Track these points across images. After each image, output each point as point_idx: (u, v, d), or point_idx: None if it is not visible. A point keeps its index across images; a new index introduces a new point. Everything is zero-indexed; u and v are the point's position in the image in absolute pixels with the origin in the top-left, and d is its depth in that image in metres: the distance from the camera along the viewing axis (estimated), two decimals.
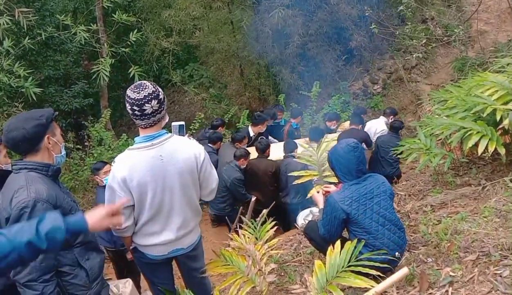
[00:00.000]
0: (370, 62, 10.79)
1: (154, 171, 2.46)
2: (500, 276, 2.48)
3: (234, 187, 5.65)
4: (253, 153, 5.99)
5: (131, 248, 2.78)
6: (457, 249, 2.91)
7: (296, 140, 6.05)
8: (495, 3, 11.29)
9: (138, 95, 2.35)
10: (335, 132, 6.95)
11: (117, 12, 6.54)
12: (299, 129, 7.88)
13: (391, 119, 6.82)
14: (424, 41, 8.09)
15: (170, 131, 2.75)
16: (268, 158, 5.92)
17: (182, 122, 3.04)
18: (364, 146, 6.11)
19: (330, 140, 4.49)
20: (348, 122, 7.04)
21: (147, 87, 2.37)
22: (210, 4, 10.06)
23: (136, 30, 6.81)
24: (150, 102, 2.36)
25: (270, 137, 7.19)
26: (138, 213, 2.56)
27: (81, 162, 8.16)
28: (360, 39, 9.61)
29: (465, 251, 2.88)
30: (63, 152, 2.39)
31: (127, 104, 2.39)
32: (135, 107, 2.36)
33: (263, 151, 5.82)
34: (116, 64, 10.20)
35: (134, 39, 6.59)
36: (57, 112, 2.45)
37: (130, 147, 2.54)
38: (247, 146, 6.28)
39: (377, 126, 6.73)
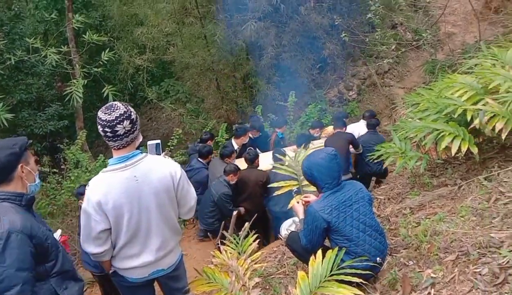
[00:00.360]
0: (344, 70, 10.96)
1: (129, 192, 2.42)
2: (480, 274, 2.51)
3: (221, 202, 5.62)
4: (242, 164, 6.00)
5: (110, 272, 2.73)
6: (437, 250, 2.94)
7: (283, 149, 6.08)
8: (461, 5, 11.64)
9: (109, 116, 2.32)
10: (319, 138, 7.01)
11: (87, 33, 6.45)
12: (285, 138, 7.93)
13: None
14: (394, 46, 8.27)
15: (146, 151, 2.73)
16: (258, 168, 5.93)
17: (158, 141, 3.01)
18: (352, 149, 6.23)
19: (314, 148, 4.53)
20: (331, 127, 7.10)
21: (118, 108, 2.35)
22: (182, 19, 10.08)
23: (108, 49, 6.74)
24: (122, 123, 2.33)
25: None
26: (115, 236, 2.52)
27: (58, 186, 7.98)
28: (333, 47, 9.77)
29: (445, 251, 2.92)
30: (37, 181, 2.34)
31: (99, 126, 2.36)
32: (107, 129, 2.33)
33: (252, 161, 5.83)
34: (90, 84, 10.10)
35: (107, 58, 6.52)
36: (31, 141, 2.40)
37: (103, 169, 2.49)
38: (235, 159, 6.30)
39: (359, 130, 6.77)
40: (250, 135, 7.07)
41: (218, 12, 9.80)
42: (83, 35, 6.80)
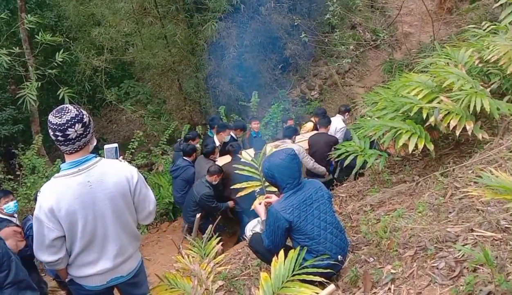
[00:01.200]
0: (305, 70, 11.07)
1: (83, 198, 2.33)
2: (437, 269, 2.57)
3: (203, 202, 5.66)
4: (226, 158, 6.16)
5: (67, 280, 2.62)
6: (397, 246, 3.00)
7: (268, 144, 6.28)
8: (417, 6, 12.03)
9: (60, 120, 2.23)
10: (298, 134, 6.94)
11: (40, 33, 6.20)
12: (261, 137, 8.07)
13: (347, 116, 7.03)
14: (352, 46, 8.44)
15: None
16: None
17: (115, 145, 2.91)
18: None
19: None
20: (310, 123, 7.15)
21: (69, 111, 2.26)
22: (141, 19, 9.86)
23: (63, 50, 6.51)
24: (73, 127, 2.25)
25: None
26: (70, 243, 2.42)
27: (13, 193, 7.64)
28: (294, 48, 9.86)
29: (404, 247, 2.98)
30: None
31: (50, 131, 2.27)
32: (57, 133, 2.24)
33: (237, 153, 5.86)
34: (47, 87, 9.77)
35: (61, 59, 6.30)
36: None
37: (56, 175, 2.39)
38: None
39: (336, 125, 6.76)
40: (232, 134, 7.11)
41: (178, 12, 9.66)
42: (36, 36, 6.53)
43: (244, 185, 4.17)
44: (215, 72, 10.19)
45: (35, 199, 4.31)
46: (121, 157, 2.83)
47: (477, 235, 2.68)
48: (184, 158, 6.39)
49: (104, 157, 2.62)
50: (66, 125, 2.23)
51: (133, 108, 10.16)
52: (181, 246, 3.71)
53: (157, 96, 11.76)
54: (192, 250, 3.37)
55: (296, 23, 8.77)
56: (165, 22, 9.78)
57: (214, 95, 10.65)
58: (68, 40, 9.65)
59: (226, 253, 4.11)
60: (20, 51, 7.00)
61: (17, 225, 4.08)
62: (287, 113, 10.17)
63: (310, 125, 7.21)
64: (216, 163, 6.21)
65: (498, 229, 2.67)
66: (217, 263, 3.16)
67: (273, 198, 3.26)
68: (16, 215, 4.32)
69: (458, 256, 2.56)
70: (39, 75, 6.91)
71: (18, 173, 8.04)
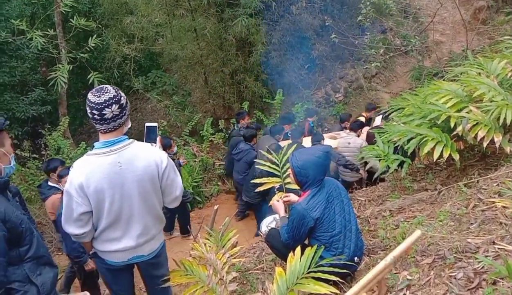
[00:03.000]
0: (331, 71, 11.00)
1: (111, 177, 2.40)
2: (455, 278, 2.54)
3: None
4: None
5: (91, 252, 2.72)
6: (414, 253, 2.97)
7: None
8: (450, 15, 11.81)
9: (98, 99, 2.30)
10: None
11: (74, 18, 6.34)
12: (313, 127, 8.37)
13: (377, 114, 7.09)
14: (382, 50, 8.35)
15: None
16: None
17: (156, 124, 2.97)
18: None
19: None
20: (362, 118, 7.42)
21: (108, 91, 2.33)
22: (173, 11, 9.97)
23: (95, 36, 6.64)
24: (110, 107, 2.31)
25: None
26: (96, 219, 2.51)
27: (37, 172, 7.84)
28: (322, 49, 9.81)
29: (422, 254, 2.95)
30: (13, 163, 2.30)
31: (87, 108, 2.34)
32: (94, 111, 2.31)
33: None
34: (76, 71, 9.98)
35: (93, 44, 6.43)
36: (8, 122, 2.35)
37: (88, 152, 2.47)
38: None
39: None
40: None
41: (210, 5, 9.72)
42: (71, 20, 6.68)
43: (264, 180, 4.19)
44: (241, 68, 10.23)
45: (60, 176, 4.48)
46: (159, 137, 2.90)
47: (498, 248, 2.63)
48: (246, 142, 6.70)
49: (144, 134, 2.74)
50: (104, 105, 2.30)
51: (159, 98, 10.28)
52: (199, 235, 3.75)
53: (182, 88, 11.87)
54: (208, 240, 3.41)
55: (326, 24, 8.71)
56: (196, 15, 9.86)
57: (238, 90, 10.69)
58: (100, 26, 9.84)
59: (241, 246, 4.13)
60: (54, 34, 7.16)
61: None
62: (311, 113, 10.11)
63: (361, 120, 7.26)
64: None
65: None
66: (232, 255, 3.19)
67: (292, 197, 3.27)
68: None
69: (478, 267, 2.52)
70: (70, 58, 7.06)
71: (43, 152, 8.24)
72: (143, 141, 2.77)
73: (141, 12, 9.76)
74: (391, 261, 2.38)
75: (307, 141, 6.63)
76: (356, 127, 6.48)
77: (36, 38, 6.05)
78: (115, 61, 10.08)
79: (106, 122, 2.34)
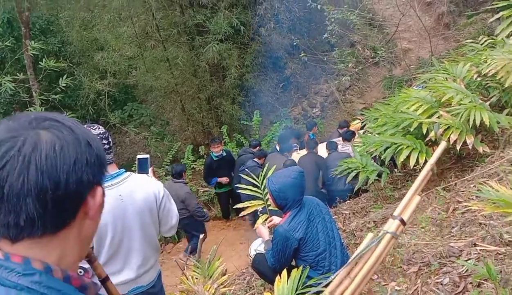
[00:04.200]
0: (306, 88, 11.16)
1: (115, 211, 2.41)
2: (441, 284, 2.56)
3: None
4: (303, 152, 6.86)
5: None
6: (400, 262, 2.99)
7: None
8: (415, 22, 12.14)
9: (95, 131, 2.34)
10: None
11: (44, 59, 6.31)
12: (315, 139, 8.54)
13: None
14: (350, 64, 8.53)
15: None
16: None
17: (147, 155, 2.96)
18: None
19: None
20: (358, 121, 7.59)
21: (97, 127, 2.39)
22: (144, 43, 10.02)
23: (66, 75, 6.60)
24: (104, 140, 2.37)
25: None
26: (96, 254, 2.46)
27: None
28: (295, 67, 9.96)
29: (408, 263, 2.97)
30: None
31: None
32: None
33: (312, 148, 6.56)
34: (51, 111, 9.85)
35: (65, 84, 6.38)
36: None
37: None
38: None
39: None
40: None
41: (180, 35, 9.81)
42: (40, 62, 6.64)
43: (246, 204, 4.19)
44: (217, 92, 10.29)
45: None
46: (151, 167, 2.89)
47: (480, 250, 2.67)
48: (255, 160, 6.87)
49: (136, 167, 2.76)
50: (100, 137, 2.34)
51: (136, 130, 10.22)
52: (185, 267, 3.71)
53: (160, 118, 11.85)
54: (195, 272, 3.37)
55: (295, 43, 8.88)
56: (167, 45, 9.92)
57: (216, 115, 10.72)
58: (71, 65, 9.80)
59: (230, 274, 4.09)
60: (24, 77, 7.10)
61: None
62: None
63: (358, 124, 7.37)
64: (293, 156, 6.89)
65: (502, 242, 2.66)
66: (222, 284, 3.15)
67: (275, 219, 3.27)
68: None
69: (462, 271, 2.55)
70: (43, 100, 7.00)
71: None
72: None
73: (112, 47, 9.78)
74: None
75: (322, 150, 6.96)
76: (349, 137, 6.59)
77: (5, 83, 5.99)
78: (89, 98, 10.02)
79: (106, 153, 2.35)
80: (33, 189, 0.68)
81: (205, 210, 6.57)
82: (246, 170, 6.40)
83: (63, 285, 0.73)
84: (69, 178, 0.71)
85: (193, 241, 6.22)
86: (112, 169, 2.44)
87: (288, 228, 2.80)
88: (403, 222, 1.93)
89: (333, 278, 2.35)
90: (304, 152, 7.02)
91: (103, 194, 0.79)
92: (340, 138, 7.12)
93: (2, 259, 0.72)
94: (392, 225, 1.92)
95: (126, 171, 2.51)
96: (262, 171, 4.49)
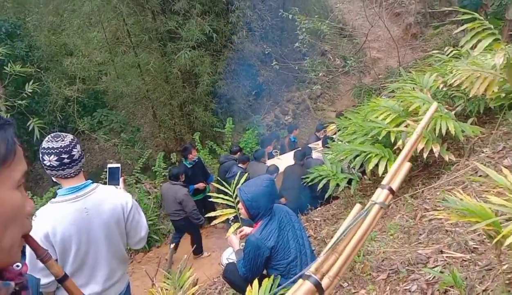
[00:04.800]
0: (279, 95, 11.25)
1: (79, 224, 2.34)
2: (410, 292, 2.61)
3: None
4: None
5: None
6: (370, 270, 3.03)
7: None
8: (384, 32, 12.43)
9: (63, 142, 2.27)
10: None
11: (9, 64, 6.13)
12: (296, 142, 8.84)
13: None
14: (321, 73, 8.67)
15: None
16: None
17: (119, 165, 2.88)
18: None
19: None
20: (333, 125, 7.56)
21: (66, 135, 2.33)
22: (114, 49, 9.86)
23: (33, 81, 6.43)
24: (76, 148, 2.31)
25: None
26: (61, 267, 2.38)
27: None
28: (267, 74, 10.04)
29: (377, 270, 3.01)
30: None
31: (52, 156, 2.24)
32: (63, 155, 2.25)
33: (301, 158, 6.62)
34: (17, 117, 9.56)
35: (31, 90, 6.21)
36: None
37: (52, 200, 2.39)
38: None
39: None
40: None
41: (151, 41, 9.72)
42: (6, 67, 6.44)
43: (218, 213, 4.16)
44: (189, 99, 10.23)
45: None
46: (122, 177, 2.82)
47: (446, 256, 2.73)
48: (239, 165, 6.97)
49: (106, 176, 2.71)
50: (70, 146, 2.28)
51: (106, 137, 10.03)
52: (154, 278, 3.64)
53: (131, 125, 11.67)
54: (166, 282, 3.31)
55: (267, 51, 8.96)
56: (139, 51, 9.81)
57: (188, 122, 10.65)
58: (39, 70, 9.56)
59: (201, 284, 4.05)
60: None
61: None
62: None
63: (334, 127, 7.48)
64: (276, 162, 7.18)
65: (467, 249, 2.74)
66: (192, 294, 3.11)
67: (246, 229, 3.26)
68: None
69: (429, 278, 2.60)
70: (8, 106, 6.79)
71: None
72: (104, 183, 2.72)
73: (81, 52, 9.59)
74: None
75: (289, 157, 7.15)
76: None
77: None
78: (57, 104, 9.77)
79: (75, 163, 2.31)
80: None
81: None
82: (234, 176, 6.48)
83: None
84: None
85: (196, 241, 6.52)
86: (79, 180, 2.39)
87: (260, 237, 2.80)
88: (392, 191, 1.91)
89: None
90: (286, 156, 7.23)
91: None
92: (318, 142, 7.25)
93: None
94: (380, 195, 1.89)
95: (93, 182, 2.45)
96: (234, 180, 4.47)
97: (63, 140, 2.28)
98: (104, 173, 8.32)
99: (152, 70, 9.50)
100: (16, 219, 0.73)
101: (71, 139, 2.31)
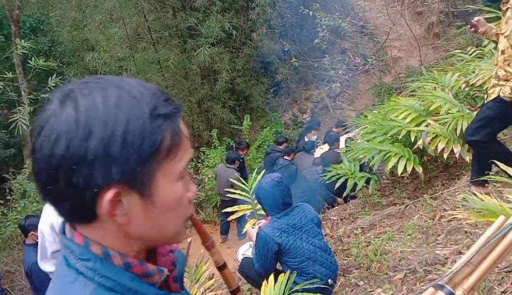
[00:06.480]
0: (297, 93, 11.20)
1: None
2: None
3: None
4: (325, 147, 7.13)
5: None
6: (387, 269, 3.01)
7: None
8: (406, 31, 12.26)
9: None
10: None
11: (33, 58, 6.26)
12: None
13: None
14: (341, 71, 8.59)
15: None
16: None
17: None
18: None
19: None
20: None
21: None
22: (135, 45, 9.97)
23: (56, 75, 6.55)
24: None
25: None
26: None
27: (3, 218, 7.54)
28: (286, 72, 9.99)
29: (394, 270, 2.99)
30: None
31: None
32: None
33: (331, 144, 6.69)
34: (40, 111, 9.76)
35: (54, 84, 6.32)
36: None
37: None
38: None
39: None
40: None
41: (172, 37, 9.79)
42: (29, 61, 6.58)
43: (235, 208, 4.19)
44: (208, 96, 10.28)
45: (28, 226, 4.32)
46: None
47: None
48: (285, 157, 6.96)
49: None
50: None
51: None
52: None
53: None
54: None
55: (286, 49, 8.93)
56: (159, 47, 9.89)
57: (206, 118, 10.70)
58: (61, 65, 9.74)
59: (216, 278, 4.07)
60: (14, 76, 7.03)
61: None
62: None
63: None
64: (315, 154, 7.16)
65: None
66: (208, 288, 3.14)
67: (263, 223, 3.27)
68: None
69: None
70: (31, 99, 6.93)
71: (8, 197, 7.95)
72: None
73: (102, 48, 9.72)
74: None
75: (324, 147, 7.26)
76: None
77: None
78: None
79: None
80: (49, 177, 0.63)
81: None
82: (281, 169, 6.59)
83: (120, 273, 0.67)
84: (67, 173, 0.62)
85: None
86: None
87: (267, 231, 2.82)
88: None
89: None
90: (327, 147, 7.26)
91: (114, 199, 0.64)
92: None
93: (69, 237, 0.70)
94: None
95: None
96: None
97: None
98: None
99: (171, 66, 9.57)
100: (177, 209, 0.71)
101: None
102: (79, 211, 0.66)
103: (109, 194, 0.63)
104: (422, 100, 4.46)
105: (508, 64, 2.95)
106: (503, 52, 2.99)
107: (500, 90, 2.95)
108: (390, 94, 7.64)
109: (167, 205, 0.69)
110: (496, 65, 3.11)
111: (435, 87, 4.75)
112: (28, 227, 4.18)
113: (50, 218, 2.38)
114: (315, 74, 10.55)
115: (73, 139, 0.61)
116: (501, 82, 2.98)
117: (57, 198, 0.66)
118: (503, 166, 2.67)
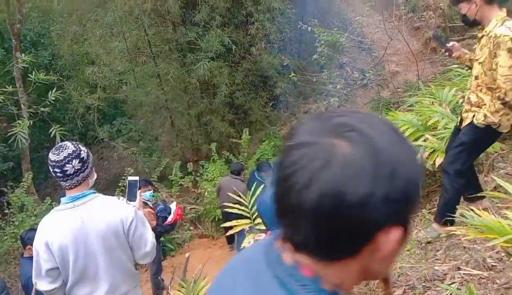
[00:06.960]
0: (296, 107, 11.27)
1: (75, 234, 2.36)
2: None
3: None
4: None
5: None
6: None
7: None
8: (403, 46, 12.35)
9: (58, 157, 2.31)
10: None
11: (33, 72, 6.31)
12: None
13: None
14: (339, 85, 8.65)
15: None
16: None
17: (137, 178, 2.90)
18: None
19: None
20: None
21: (67, 147, 2.34)
22: (135, 58, 10.06)
23: (56, 89, 6.59)
24: (71, 163, 2.31)
25: None
26: (64, 275, 2.45)
27: (0, 232, 7.52)
28: (284, 86, 10.06)
29: (393, 286, 2.97)
30: None
31: (50, 167, 2.35)
32: (56, 169, 2.31)
33: None
34: (39, 124, 9.81)
35: (54, 98, 6.36)
36: None
37: (55, 208, 2.46)
38: None
39: None
40: None
41: (171, 51, 9.88)
42: (30, 75, 6.63)
43: (233, 223, 4.18)
44: (207, 109, 10.33)
45: (26, 240, 4.31)
46: (140, 191, 2.84)
47: (464, 273, 2.70)
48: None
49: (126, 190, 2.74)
50: (64, 161, 2.30)
51: (124, 145, 10.21)
52: (169, 287, 3.66)
53: (149, 133, 11.83)
54: (180, 291, 3.34)
55: (285, 63, 9.01)
56: (158, 61, 9.98)
57: (205, 132, 10.75)
58: (61, 78, 9.82)
59: None
60: (14, 90, 7.07)
61: (151, 208, 4.56)
62: (278, 150, 10.26)
63: None
64: None
65: (485, 267, 2.70)
66: None
67: (263, 237, 3.26)
68: (150, 202, 5.19)
69: None
70: (31, 113, 6.98)
71: (6, 211, 7.93)
72: (125, 195, 2.76)
73: (102, 61, 9.82)
74: None
75: None
76: None
77: None
78: (78, 112, 10.00)
79: (69, 178, 2.34)
80: (310, 211, 0.62)
81: None
82: None
83: None
84: (354, 210, 0.59)
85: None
86: (80, 190, 2.40)
87: None
88: None
89: None
90: None
91: (404, 238, 0.63)
92: None
93: (291, 264, 0.68)
94: None
95: (94, 192, 2.47)
96: (250, 190, 4.49)
97: (58, 154, 2.31)
98: (121, 180, 8.47)
99: (171, 80, 9.63)
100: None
101: (68, 154, 2.32)
102: (343, 246, 0.64)
103: (397, 233, 0.62)
104: (420, 115, 4.50)
105: (481, 90, 3.01)
106: (476, 77, 3.05)
107: (474, 117, 2.99)
108: (388, 108, 7.68)
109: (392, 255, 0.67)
110: (469, 89, 3.17)
111: (432, 102, 4.79)
112: (27, 240, 4.18)
113: (45, 236, 2.36)
114: (313, 88, 10.62)
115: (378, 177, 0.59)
116: (473, 108, 3.04)
117: (326, 233, 0.63)
118: (501, 182, 2.69)
